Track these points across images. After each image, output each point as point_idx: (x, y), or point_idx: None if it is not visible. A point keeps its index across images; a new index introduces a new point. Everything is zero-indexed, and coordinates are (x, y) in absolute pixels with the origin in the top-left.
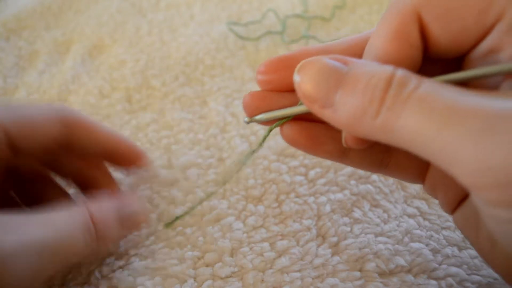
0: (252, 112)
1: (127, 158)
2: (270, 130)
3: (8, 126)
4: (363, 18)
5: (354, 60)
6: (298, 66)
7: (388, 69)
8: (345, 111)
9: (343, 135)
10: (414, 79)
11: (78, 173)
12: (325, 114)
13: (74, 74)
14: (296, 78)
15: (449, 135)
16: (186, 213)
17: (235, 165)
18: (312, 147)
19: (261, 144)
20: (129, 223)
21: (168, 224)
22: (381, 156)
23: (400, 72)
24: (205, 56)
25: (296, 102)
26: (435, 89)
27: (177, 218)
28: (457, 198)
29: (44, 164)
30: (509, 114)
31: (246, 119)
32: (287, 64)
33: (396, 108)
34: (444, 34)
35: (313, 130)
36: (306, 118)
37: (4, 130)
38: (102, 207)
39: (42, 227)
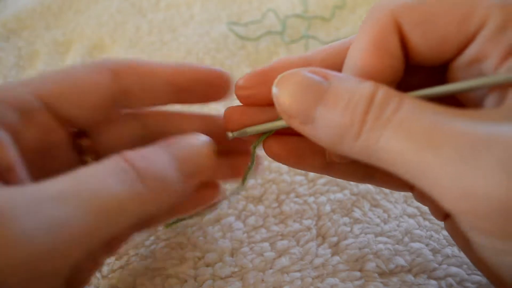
0: (233, 126)
1: (204, 86)
2: (255, 148)
3: (46, 95)
4: (363, 18)
5: (334, 74)
6: (277, 79)
7: (369, 87)
8: (325, 129)
9: (327, 150)
10: (395, 99)
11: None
12: (305, 131)
13: None
14: (275, 91)
15: (429, 159)
16: (188, 216)
17: (235, 188)
18: (295, 162)
19: (253, 163)
20: (189, 162)
21: (169, 225)
22: (366, 168)
23: (381, 92)
24: (205, 56)
25: (277, 116)
26: (416, 110)
27: (178, 220)
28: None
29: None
30: (491, 140)
31: (230, 134)
32: (267, 78)
33: (376, 130)
34: (425, 42)
35: (295, 144)
36: (289, 132)
37: (42, 100)
38: (142, 149)
39: (62, 178)
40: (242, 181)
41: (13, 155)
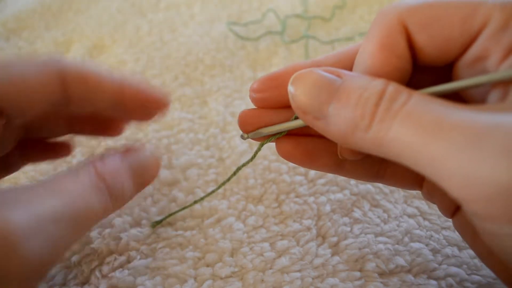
0: (247, 129)
1: (144, 106)
2: (262, 145)
3: None
4: (363, 18)
5: (347, 73)
6: (292, 77)
7: (379, 83)
8: (337, 124)
9: (339, 147)
10: (404, 94)
11: (86, 133)
12: (318, 126)
13: None
14: (291, 89)
15: (436, 148)
16: (175, 212)
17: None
18: (308, 161)
19: (252, 158)
20: (141, 174)
21: (157, 222)
22: (377, 167)
23: (391, 87)
24: (205, 56)
25: (290, 118)
26: (424, 103)
27: (164, 218)
28: (454, 204)
29: (41, 126)
30: (494, 128)
31: (244, 135)
32: (280, 82)
33: (386, 122)
34: (430, 43)
35: (308, 144)
36: (301, 133)
37: None
38: (109, 161)
39: (52, 196)
40: (234, 173)
41: None
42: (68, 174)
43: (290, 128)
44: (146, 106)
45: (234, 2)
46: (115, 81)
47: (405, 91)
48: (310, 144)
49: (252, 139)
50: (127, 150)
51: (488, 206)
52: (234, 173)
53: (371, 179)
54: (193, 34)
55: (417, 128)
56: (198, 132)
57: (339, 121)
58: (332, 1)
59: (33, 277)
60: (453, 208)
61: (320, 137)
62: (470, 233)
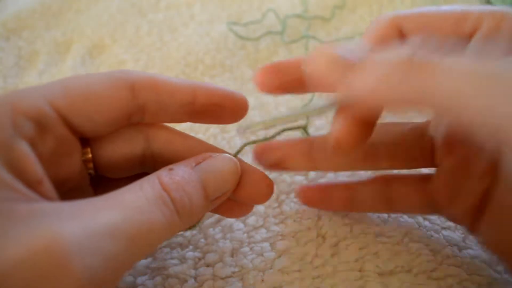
0: (265, 85)
1: (219, 109)
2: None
3: (62, 107)
4: (363, 18)
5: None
6: (308, 57)
7: (407, 47)
8: (364, 85)
9: (333, 134)
10: (437, 53)
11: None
12: (354, 81)
13: (74, 74)
14: (308, 64)
15: (488, 95)
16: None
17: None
18: (326, 201)
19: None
20: (215, 186)
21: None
22: (384, 192)
23: (420, 51)
24: (205, 56)
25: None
26: (462, 58)
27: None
28: (476, 208)
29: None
30: None
31: (241, 129)
32: (284, 67)
33: (425, 71)
34: None
35: (323, 186)
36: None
37: (58, 112)
38: (177, 171)
39: (110, 209)
40: (236, 153)
41: (40, 168)
42: (132, 186)
43: (283, 122)
44: (221, 109)
45: (234, 2)
46: (186, 85)
47: (437, 53)
48: (323, 186)
49: (249, 132)
50: (200, 160)
51: None
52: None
53: (383, 208)
54: (193, 34)
55: (468, 77)
56: (198, 132)
57: (367, 79)
58: (332, 1)
59: None
60: (475, 217)
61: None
62: (501, 239)
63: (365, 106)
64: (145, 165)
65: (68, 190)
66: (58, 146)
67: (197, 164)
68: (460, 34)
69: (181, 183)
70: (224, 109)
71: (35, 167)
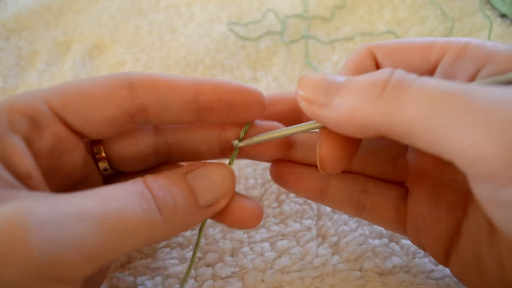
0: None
1: (232, 107)
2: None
3: (57, 106)
4: (363, 18)
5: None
6: (298, 81)
7: (386, 69)
8: (345, 104)
9: (318, 157)
10: (413, 74)
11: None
12: (324, 114)
13: (74, 74)
14: (298, 91)
15: (453, 115)
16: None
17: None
18: (295, 184)
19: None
20: (206, 192)
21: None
22: (357, 195)
23: (399, 70)
24: (205, 56)
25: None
26: (435, 79)
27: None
28: (445, 245)
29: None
30: (493, 101)
31: (235, 142)
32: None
33: (399, 91)
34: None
35: (297, 168)
36: (291, 160)
37: (54, 111)
38: (164, 174)
39: (84, 196)
40: (231, 157)
41: (30, 162)
42: (116, 184)
43: (280, 136)
44: (230, 105)
45: (234, 2)
46: (187, 82)
47: (413, 73)
48: (299, 168)
49: (242, 146)
50: (192, 168)
51: (488, 165)
52: (230, 163)
53: (353, 211)
54: (193, 34)
55: (430, 98)
56: None
57: (347, 100)
58: (332, 1)
59: (44, 274)
60: (445, 250)
61: (308, 164)
62: (476, 272)
63: (345, 129)
64: (160, 157)
65: (76, 185)
66: (57, 144)
67: (189, 171)
68: (427, 61)
69: (165, 184)
70: (234, 105)
71: (25, 161)
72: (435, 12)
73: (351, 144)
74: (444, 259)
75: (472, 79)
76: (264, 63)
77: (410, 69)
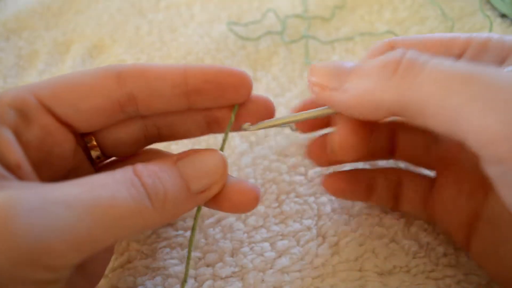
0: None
1: (220, 89)
2: (235, 110)
3: (45, 98)
4: (363, 18)
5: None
6: (310, 69)
7: (399, 49)
8: (356, 87)
9: (333, 143)
10: (426, 54)
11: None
12: (336, 97)
13: None
14: (311, 78)
15: (466, 97)
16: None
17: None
18: (352, 191)
19: (229, 126)
20: (198, 179)
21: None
22: (395, 188)
23: (412, 51)
24: (205, 56)
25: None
26: (448, 61)
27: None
28: (466, 225)
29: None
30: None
31: (246, 125)
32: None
33: (412, 71)
34: None
35: (348, 176)
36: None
37: (42, 103)
38: (154, 162)
39: (73, 184)
40: (223, 142)
41: (19, 153)
42: (106, 172)
43: (288, 122)
44: (219, 87)
45: (234, 2)
46: (174, 67)
47: (426, 54)
48: (349, 176)
49: (253, 130)
50: (183, 156)
51: (502, 145)
52: (223, 144)
53: (391, 203)
54: (193, 34)
55: (443, 79)
56: None
57: (359, 83)
58: (332, 1)
59: (32, 262)
60: (466, 235)
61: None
62: (491, 258)
63: (358, 112)
64: (150, 139)
65: (66, 176)
66: (46, 135)
67: (180, 158)
68: (450, 54)
69: (155, 171)
70: (222, 86)
71: (14, 152)
72: (435, 12)
73: (365, 130)
74: (466, 243)
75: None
76: (264, 63)
77: None
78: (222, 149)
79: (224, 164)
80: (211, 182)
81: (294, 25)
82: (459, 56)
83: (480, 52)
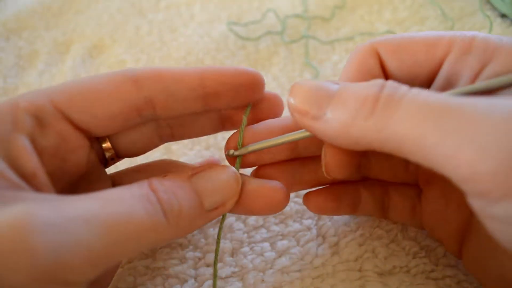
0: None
1: (236, 89)
2: (246, 116)
3: (62, 105)
4: (363, 18)
5: (343, 82)
6: (290, 88)
7: (378, 81)
8: (337, 118)
9: (323, 163)
10: (404, 86)
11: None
12: (316, 126)
13: (74, 74)
14: (290, 99)
15: (443, 132)
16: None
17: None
18: (335, 208)
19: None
20: (211, 196)
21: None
22: (382, 199)
23: (391, 82)
24: (205, 56)
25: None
26: (425, 94)
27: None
28: (459, 239)
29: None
30: (490, 109)
31: (231, 151)
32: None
33: (389, 108)
34: (399, 67)
35: (331, 192)
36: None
37: (59, 109)
38: (169, 177)
39: (91, 199)
40: (238, 144)
41: (35, 161)
42: (122, 186)
43: (277, 144)
44: (235, 88)
45: (234, 2)
46: (191, 70)
47: (404, 85)
48: (331, 192)
49: (238, 155)
50: (198, 170)
51: (497, 180)
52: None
53: (379, 213)
54: (193, 34)
55: (420, 114)
56: None
57: (339, 115)
58: (332, 1)
59: (49, 278)
60: (458, 245)
61: (336, 184)
62: (482, 268)
63: (338, 143)
64: (163, 139)
65: (79, 182)
66: (62, 142)
67: (194, 174)
68: (433, 58)
69: (171, 186)
70: (238, 87)
71: (31, 160)
72: (435, 12)
73: (355, 151)
74: (457, 253)
75: (477, 75)
76: (264, 63)
77: (416, 66)
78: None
79: (237, 181)
80: (224, 199)
81: (294, 25)
82: (442, 58)
83: (463, 55)
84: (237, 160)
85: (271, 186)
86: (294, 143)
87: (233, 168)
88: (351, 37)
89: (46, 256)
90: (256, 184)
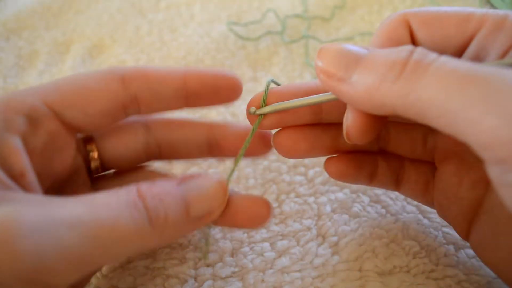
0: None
1: (216, 91)
2: (254, 130)
3: (53, 103)
4: (363, 18)
5: (372, 47)
6: (318, 52)
7: (407, 46)
8: (363, 82)
9: (345, 127)
10: (433, 53)
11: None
12: (342, 88)
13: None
14: (318, 62)
15: (469, 98)
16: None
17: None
18: (354, 175)
19: (246, 145)
20: (197, 205)
21: (206, 254)
22: (398, 171)
23: (420, 48)
24: (205, 56)
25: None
26: (454, 61)
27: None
28: (467, 221)
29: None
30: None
31: (252, 109)
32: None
33: (416, 73)
34: (430, 39)
35: (352, 158)
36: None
37: (50, 107)
38: (157, 184)
39: (77, 203)
40: (235, 161)
41: (25, 161)
42: (109, 191)
43: (295, 106)
44: (215, 90)
45: (234, 2)
46: (175, 71)
47: (433, 53)
48: (353, 158)
49: (259, 114)
50: (186, 178)
51: (507, 151)
52: (236, 163)
53: (393, 186)
54: (193, 34)
55: (447, 80)
56: None
57: (365, 78)
58: (332, 1)
59: (32, 280)
60: (467, 225)
61: (355, 152)
62: (491, 248)
63: (362, 106)
64: (150, 156)
65: (64, 183)
66: (50, 141)
67: (183, 181)
68: (464, 32)
69: (159, 193)
70: (218, 89)
71: (20, 160)
72: None
73: (378, 116)
74: (465, 233)
75: (506, 52)
76: (264, 63)
77: (446, 40)
78: (230, 174)
79: (224, 191)
80: (210, 208)
81: (294, 25)
82: (473, 34)
83: (494, 31)
84: (258, 119)
85: (256, 200)
86: (318, 108)
87: (222, 178)
88: (351, 37)
89: (30, 259)
90: (241, 197)
